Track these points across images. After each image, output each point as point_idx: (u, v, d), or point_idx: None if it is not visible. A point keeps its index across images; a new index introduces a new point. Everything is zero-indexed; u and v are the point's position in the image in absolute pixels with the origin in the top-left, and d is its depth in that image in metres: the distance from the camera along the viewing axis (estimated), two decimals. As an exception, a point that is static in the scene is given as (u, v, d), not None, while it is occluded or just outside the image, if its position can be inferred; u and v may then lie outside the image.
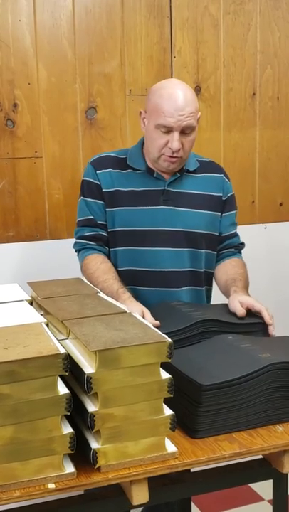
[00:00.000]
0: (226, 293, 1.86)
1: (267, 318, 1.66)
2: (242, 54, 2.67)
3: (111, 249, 1.92)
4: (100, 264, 1.85)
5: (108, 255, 1.91)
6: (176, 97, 1.76)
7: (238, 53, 2.66)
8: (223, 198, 1.98)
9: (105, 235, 1.91)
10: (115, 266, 1.88)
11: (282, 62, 2.75)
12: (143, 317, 1.55)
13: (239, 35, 2.65)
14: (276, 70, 2.74)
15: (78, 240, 1.95)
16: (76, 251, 1.96)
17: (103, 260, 1.87)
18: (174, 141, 1.77)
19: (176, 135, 1.77)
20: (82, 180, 1.96)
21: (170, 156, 1.81)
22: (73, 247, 1.97)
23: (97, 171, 1.91)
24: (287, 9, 2.72)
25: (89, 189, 1.92)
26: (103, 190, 1.90)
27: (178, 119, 1.75)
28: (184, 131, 1.78)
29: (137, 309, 1.58)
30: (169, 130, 1.77)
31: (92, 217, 1.91)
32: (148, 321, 1.47)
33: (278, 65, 2.75)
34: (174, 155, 1.80)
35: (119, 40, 2.46)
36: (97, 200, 1.91)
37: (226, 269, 1.95)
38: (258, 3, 2.66)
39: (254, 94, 2.72)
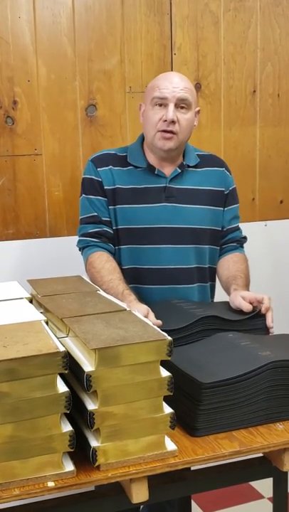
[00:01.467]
0: (227, 290, 1.86)
1: (265, 306, 1.66)
2: (242, 51, 2.66)
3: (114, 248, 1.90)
4: (104, 263, 1.82)
5: (113, 253, 1.88)
6: (171, 75, 1.87)
7: (238, 50, 2.65)
8: (225, 192, 1.98)
9: (110, 231, 1.88)
10: (119, 264, 1.86)
11: (282, 59, 2.74)
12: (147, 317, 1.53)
13: (239, 33, 2.64)
14: (276, 67, 2.74)
15: (82, 238, 1.91)
16: (80, 249, 1.93)
17: (108, 259, 1.84)
18: (169, 111, 1.78)
19: (171, 106, 1.79)
20: (83, 178, 1.94)
21: (165, 131, 1.80)
22: (77, 245, 1.93)
23: (98, 168, 1.90)
24: (288, 6, 2.71)
25: (91, 186, 1.90)
26: (105, 187, 1.88)
27: (172, 91, 1.79)
28: (180, 105, 1.80)
29: (142, 311, 1.55)
30: (164, 103, 1.80)
31: (95, 213, 1.88)
32: (150, 320, 1.46)
33: (279, 62, 2.74)
34: (169, 128, 1.79)
35: (119, 37, 2.45)
36: (99, 197, 1.89)
37: (227, 265, 1.94)
38: (258, 0, 2.66)
39: (254, 91, 2.71)
